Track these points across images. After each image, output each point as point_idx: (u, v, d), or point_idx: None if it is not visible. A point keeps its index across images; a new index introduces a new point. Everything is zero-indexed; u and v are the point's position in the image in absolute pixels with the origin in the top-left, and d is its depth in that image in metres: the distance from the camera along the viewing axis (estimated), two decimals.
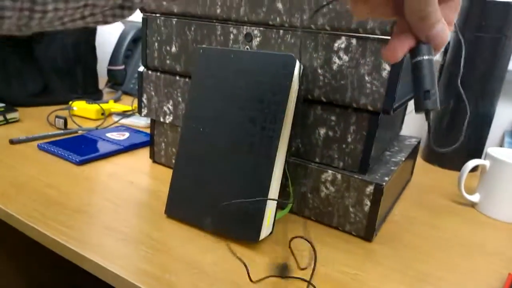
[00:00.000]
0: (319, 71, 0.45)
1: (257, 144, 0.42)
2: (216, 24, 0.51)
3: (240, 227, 0.42)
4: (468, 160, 0.57)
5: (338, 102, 0.45)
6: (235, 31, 0.50)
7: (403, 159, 0.53)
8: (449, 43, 0.72)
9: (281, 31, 0.47)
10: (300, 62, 0.42)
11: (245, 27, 0.49)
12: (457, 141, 0.71)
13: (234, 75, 0.45)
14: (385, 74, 0.42)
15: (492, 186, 0.54)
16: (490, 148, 0.57)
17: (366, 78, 0.43)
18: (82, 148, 0.64)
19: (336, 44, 0.44)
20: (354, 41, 0.42)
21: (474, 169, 0.60)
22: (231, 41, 0.50)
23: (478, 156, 0.71)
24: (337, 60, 0.44)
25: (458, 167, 0.58)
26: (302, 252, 0.43)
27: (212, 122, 0.45)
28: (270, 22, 0.47)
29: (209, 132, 0.45)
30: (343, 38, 0.43)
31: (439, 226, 0.52)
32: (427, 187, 0.64)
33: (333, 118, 0.46)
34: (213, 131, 0.45)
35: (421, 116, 0.87)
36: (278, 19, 0.46)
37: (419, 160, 0.77)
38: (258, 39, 0.48)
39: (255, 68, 0.43)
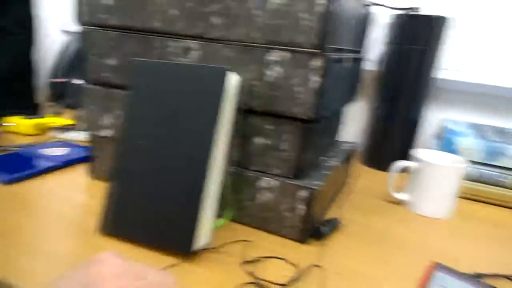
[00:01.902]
0: (255, 83, 0.47)
1: (192, 155, 0.43)
2: (155, 37, 0.51)
3: (173, 239, 0.43)
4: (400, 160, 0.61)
5: (273, 112, 0.47)
6: (174, 45, 0.51)
7: (337, 163, 0.57)
8: (382, 54, 0.77)
9: (219, 45, 0.48)
10: (237, 74, 0.44)
11: (183, 40, 0.50)
12: (391, 144, 0.76)
13: (169, 87, 0.46)
14: (313, 85, 0.44)
15: (418, 185, 0.59)
16: (415, 150, 0.62)
17: (297, 89, 0.45)
18: (13, 166, 0.61)
19: (269, 58, 0.46)
20: (286, 54, 0.45)
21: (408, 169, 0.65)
22: (170, 55, 0.51)
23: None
24: (271, 73, 0.46)
25: None
26: (237, 259, 0.44)
27: (148, 135, 0.46)
28: (208, 36, 0.49)
29: (146, 145, 0.45)
30: (276, 51, 0.45)
31: (370, 225, 0.55)
32: (363, 188, 0.68)
33: (269, 127, 0.49)
34: (150, 144, 0.45)
35: (361, 122, 0.92)
36: (215, 33, 0.48)
37: (359, 163, 0.82)
38: (196, 52, 0.50)
39: (190, 80, 0.45)
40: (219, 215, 0.53)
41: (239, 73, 0.48)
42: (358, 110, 0.91)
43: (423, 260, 0.48)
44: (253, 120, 0.49)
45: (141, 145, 0.46)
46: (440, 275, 0.43)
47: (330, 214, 0.57)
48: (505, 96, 0.79)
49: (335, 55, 0.46)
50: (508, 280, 0.44)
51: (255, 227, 0.51)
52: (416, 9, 0.71)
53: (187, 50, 0.50)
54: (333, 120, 0.62)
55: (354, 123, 0.93)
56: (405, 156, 0.76)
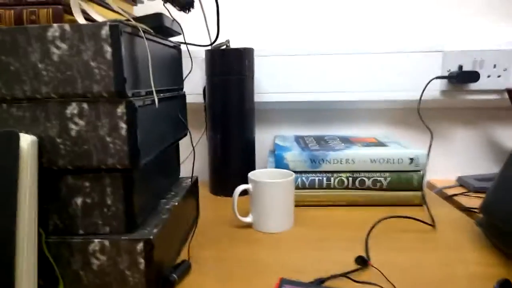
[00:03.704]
0: (58, 140, 0.43)
1: None
2: None
3: None
4: (242, 184, 0.64)
5: (87, 167, 0.43)
6: None
7: (177, 203, 0.56)
8: (205, 87, 0.81)
9: (4, 105, 0.42)
10: (31, 134, 0.39)
11: None
12: (232, 168, 0.79)
13: None
14: (123, 132, 0.42)
15: (257, 204, 0.62)
16: (251, 172, 0.65)
17: (107, 139, 0.43)
18: None
19: (68, 111, 0.42)
20: (85, 105, 0.42)
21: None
22: None
23: None
24: (73, 126, 0.42)
25: None
26: None
27: None
28: None
29: None
30: (74, 104, 0.42)
31: (222, 256, 0.55)
32: (213, 219, 0.68)
33: (87, 184, 0.44)
34: None
35: (201, 155, 0.94)
36: None
37: (207, 194, 0.83)
38: None
39: None
40: None
41: (36, 132, 0.42)
42: (195, 142, 0.93)
43: (272, 278, 0.49)
44: (67, 179, 0.44)
45: None
46: None
47: (182, 256, 0.55)
48: (319, 108, 0.92)
49: (141, 99, 0.45)
50: (347, 279, 0.48)
51: None
52: (227, 42, 0.77)
53: None
54: (164, 160, 0.60)
55: (196, 155, 0.94)
56: (246, 178, 0.79)
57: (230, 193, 0.79)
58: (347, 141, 0.81)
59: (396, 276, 0.49)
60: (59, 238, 0.44)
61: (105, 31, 0.40)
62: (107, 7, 0.49)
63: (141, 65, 0.47)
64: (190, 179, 0.68)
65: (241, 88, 0.77)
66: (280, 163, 0.72)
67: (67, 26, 0.40)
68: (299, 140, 0.83)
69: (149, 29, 0.47)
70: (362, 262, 0.52)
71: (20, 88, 0.42)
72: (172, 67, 0.62)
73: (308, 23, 0.88)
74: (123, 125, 0.42)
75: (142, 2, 0.63)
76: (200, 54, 0.85)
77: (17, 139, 0.38)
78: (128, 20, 0.45)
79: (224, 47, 0.76)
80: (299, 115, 0.93)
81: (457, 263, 0.52)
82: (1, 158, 0.37)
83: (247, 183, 0.65)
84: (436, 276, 0.49)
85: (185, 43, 0.58)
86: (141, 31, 0.46)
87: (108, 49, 0.41)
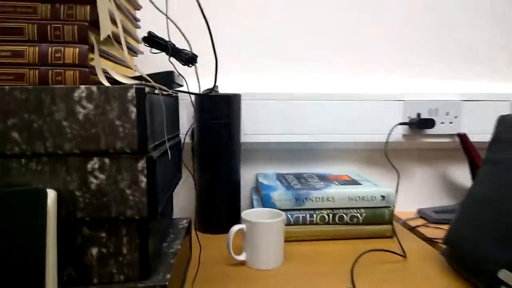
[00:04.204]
0: (77, 193, 0.44)
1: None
2: None
3: None
4: (231, 221, 0.67)
5: (105, 218, 0.45)
6: None
7: (180, 246, 0.58)
8: (194, 129, 0.84)
9: (23, 160, 0.43)
10: (53, 189, 0.41)
11: None
12: (220, 207, 0.83)
13: None
14: (143, 185, 0.45)
15: (251, 243, 0.66)
16: (244, 212, 0.69)
17: (127, 191, 0.45)
18: None
19: (89, 166, 0.44)
20: (107, 160, 0.44)
21: None
22: None
23: (238, 214, 0.85)
24: (94, 180, 0.45)
25: (225, 230, 0.67)
26: None
27: None
28: (8, 152, 0.43)
29: None
30: (95, 159, 0.44)
31: None
32: (207, 258, 0.71)
33: (103, 234, 0.46)
34: None
35: (190, 194, 0.96)
36: (17, 148, 0.43)
37: (193, 231, 0.85)
38: None
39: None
40: None
41: (55, 186, 0.44)
42: (183, 181, 0.95)
43: None
44: (84, 230, 0.45)
45: None
46: None
47: None
48: (298, 148, 0.99)
49: (156, 151, 0.49)
50: None
51: None
52: (215, 88, 0.82)
53: None
54: (166, 204, 0.63)
55: (182, 193, 0.96)
56: (234, 215, 0.83)
57: (217, 231, 0.82)
58: (324, 178, 0.88)
59: None
60: None
61: (131, 94, 0.44)
62: (126, 65, 0.52)
63: (156, 119, 0.51)
64: (184, 220, 0.70)
65: (228, 131, 0.82)
66: (267, 202, 0.77)
67: (94, 88, 0.43)
68: (281, 178, 0.89)
69: (164, 87, 0.51)
70: None
71: (42, 144, 0.43)
72: (172, 114, 0.65)
73: (289, 72, 0.96)
74: (143, 179, 0.45)
75: (142, 53, 0.66)
76: (187, 96, 0.89)
77: (45, 197, 0.40)
78: (144, 79, 0.49)
79: (213, 93, 0.81)
80: (279, 154, 0.99)
81: None
82: (29, 216, 0.39)
83: (234, 221, 0.69)
84: None
85: (188, 92, 0.63)
86: (158, 90, 0.49)
87: (133, 109, 0.44)
